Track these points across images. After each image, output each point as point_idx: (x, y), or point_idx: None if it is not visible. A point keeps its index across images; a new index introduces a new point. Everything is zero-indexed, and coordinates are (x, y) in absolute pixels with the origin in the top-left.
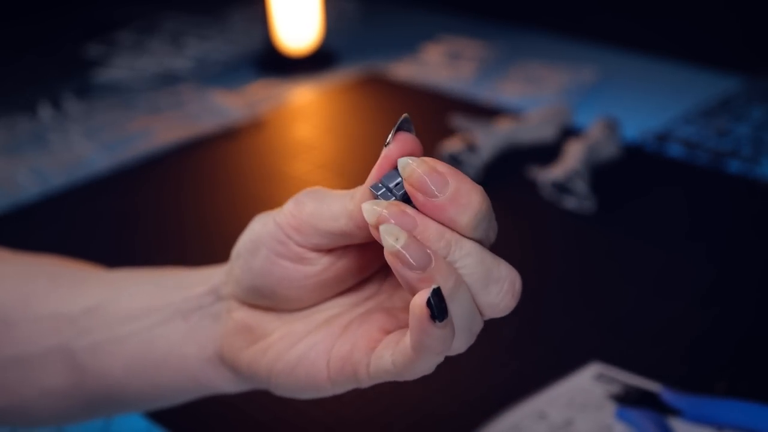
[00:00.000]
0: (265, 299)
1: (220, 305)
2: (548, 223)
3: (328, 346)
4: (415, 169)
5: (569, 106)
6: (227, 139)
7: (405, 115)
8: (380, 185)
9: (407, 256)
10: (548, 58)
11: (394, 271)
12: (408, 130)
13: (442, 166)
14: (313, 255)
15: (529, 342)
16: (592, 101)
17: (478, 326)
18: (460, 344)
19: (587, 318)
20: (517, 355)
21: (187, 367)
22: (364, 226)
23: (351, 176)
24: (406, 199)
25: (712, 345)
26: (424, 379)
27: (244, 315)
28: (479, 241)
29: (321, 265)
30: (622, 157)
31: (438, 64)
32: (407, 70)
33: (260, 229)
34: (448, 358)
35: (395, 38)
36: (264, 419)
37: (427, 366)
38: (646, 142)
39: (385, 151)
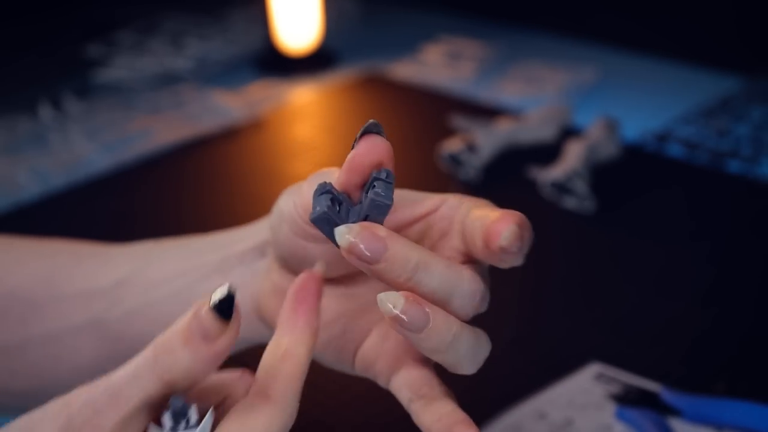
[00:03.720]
0: (294, 267)
1: (262, 263)
2: (548, 223)
3: (356, 342)
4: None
5: (569, 106)
6: (227, 139)
7: (371, 120)
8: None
9: (405, 320)
10: (548, 58)
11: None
12: (377, 133)
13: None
14: None
15: (529, 342)
16: (592, 101)
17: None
18: (468, 368)
19: (587, 318)
20: (517, 355)
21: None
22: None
23: None
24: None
25: (712, 345)
26: None
27: (281, 278)
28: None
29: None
30: (622, 157)
31: (438, 64)
32: (407, 70)
33: (283, 206)
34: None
35: (395, 38)
36: None
37: None
38: (646, 142)
39: (352, 154)
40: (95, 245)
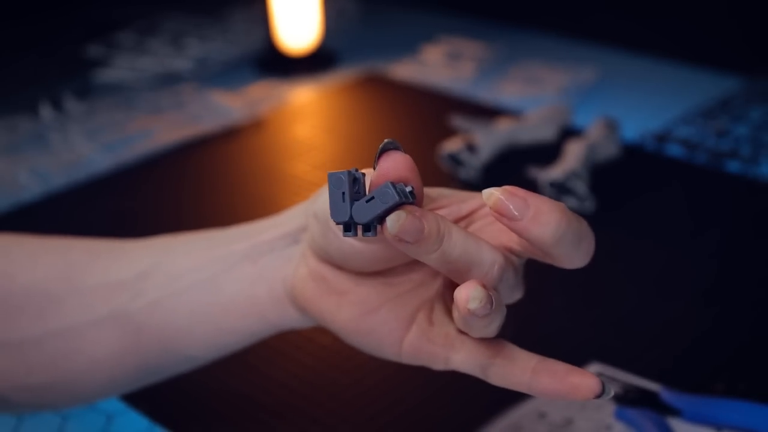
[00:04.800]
0: (337, 262)
1: (294, 248)
2: None
3: (401, 328)
4: (498, 197)
5: (569, 106)
6: (227, 139)
7: (387, 139)
8: (349, 221)
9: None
10: (548, 58)
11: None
12: (396, 149)
13: (520, 191)
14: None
15: (529, 342)
16: (592, 101)
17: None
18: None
19: (587, 318)
20: None
21: (257, 307)
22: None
23: None
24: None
25: (712, 345)
26: (424, 379)
27: (318, 265)
28: (566, 254)
29: (386, 243)
30: (622, 157)
31: (438, 64)
32: (407, 70)
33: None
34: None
35: (395, 38)
36: (264, 418)
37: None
38: (646, 142)
39: (375, 174)
40: (108, 241)
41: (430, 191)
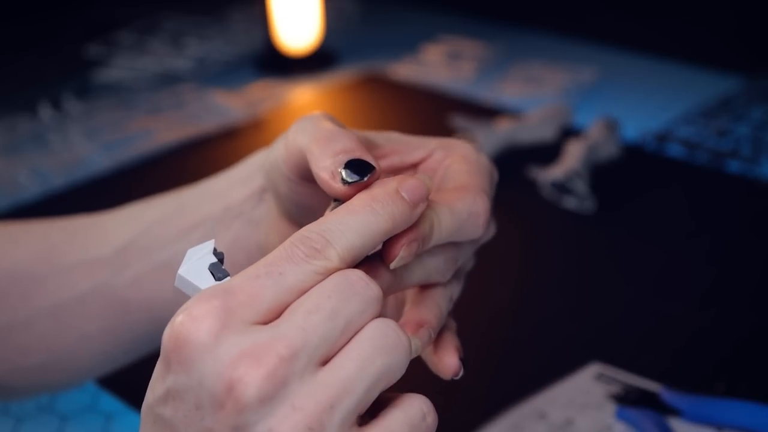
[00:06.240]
0: (302, 219)
1: (260, 210)
2: (548, 223)
3: None
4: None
5: (569, 106)
6: (227, 139)
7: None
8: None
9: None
10: (548, 58)
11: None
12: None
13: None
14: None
15: (529, 342)
16: (592, 101)
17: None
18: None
19: (587, 318)
20: (517, 355)
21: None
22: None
23: None
24: None
25: (712, 345)
26: (423, 380)
27: (289, 229)
28: None
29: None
30: (622, 157)
31: (438, 64)
32: (407, 70)
33: (274, 159)
34: None
35: (395, 38)
36: None
37: None
38: (646, 142)
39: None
40: (84, 217)
41: (376, 136)
